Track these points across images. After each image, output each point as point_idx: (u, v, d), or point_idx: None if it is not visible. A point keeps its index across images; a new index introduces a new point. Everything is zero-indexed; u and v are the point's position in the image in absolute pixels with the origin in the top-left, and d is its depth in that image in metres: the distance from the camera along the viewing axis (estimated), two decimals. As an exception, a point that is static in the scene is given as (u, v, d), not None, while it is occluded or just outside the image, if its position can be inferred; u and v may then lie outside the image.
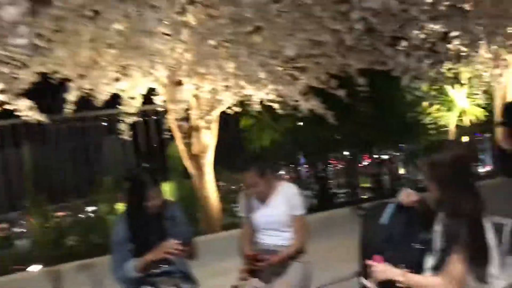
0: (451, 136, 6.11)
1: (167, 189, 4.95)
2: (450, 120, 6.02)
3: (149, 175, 2.77)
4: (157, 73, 3.39)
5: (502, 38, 4.65)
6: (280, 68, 3.70)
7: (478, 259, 1.92)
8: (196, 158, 4.39)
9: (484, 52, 5.22)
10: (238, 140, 5.50)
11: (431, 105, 6.11)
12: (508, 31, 4.64)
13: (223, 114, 4.78)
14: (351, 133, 5.52)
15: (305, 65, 3.70)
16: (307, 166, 5.98)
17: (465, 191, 1.97)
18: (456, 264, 1.93)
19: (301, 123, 5.76)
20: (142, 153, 5.33)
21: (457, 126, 6.12)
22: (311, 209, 5.69)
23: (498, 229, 2.50)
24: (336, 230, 4.39)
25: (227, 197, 4.75)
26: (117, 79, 3.74)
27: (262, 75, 3.02)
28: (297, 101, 3.77)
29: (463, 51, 4.76)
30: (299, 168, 5.87)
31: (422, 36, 3.79)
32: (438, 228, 2.12)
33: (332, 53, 3.53)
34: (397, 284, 2.06)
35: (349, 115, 5.26)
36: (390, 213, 2.39)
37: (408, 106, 5.98)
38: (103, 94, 3.68)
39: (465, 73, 5.96)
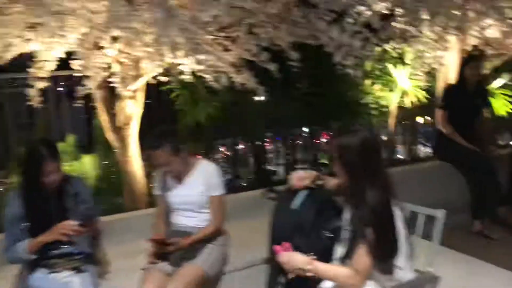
0: (392, 117, 6.12)
1: (90, 162, 4.69)
2: (391, 101, 6.00)
3: (46, 147, 2.55)
4: (68, 35, 3.10)
5: (445, 19, 4.61)
6: (210, 37, 3.49)
7: (383, 251, 1.85)
8: (119, 130, 4.15)
9: (428, 33, 5.19)
10: (172, 113, 5.26)
11: (373, 84, 6.06)
12: (452, 12, 4.60)
13: (154, 85, 4.53)
14: (292, 110, 5.38)
15: (236, 35, 3.49)
16: (245, 143, 5.84)
17: (373, 178, 1.89)
18: (362, 256, 1.87)
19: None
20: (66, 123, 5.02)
21: (399, 107, 6.12)
22: (246, 187, 5.61)
23: (412, 217, 2.47)
24: (267, 209, 4.32)
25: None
26: (29, 39, 3.41)
27: (181, 42, 2.80)
28: (225, 72, 3.58)
29: (406, 31, 4.69)
30: (236, 145, 5.72)
31: (364, 11, 3.65)
32: (347, 216, 2.05)
33: (263, 23, 3.34)
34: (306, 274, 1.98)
35: (289, 92, 5.13)
36: (302, 197, 2.30)
37: (349, 84, 5.88)
38: (10, 54, 3.36)
39: (409, 53, 5.94)
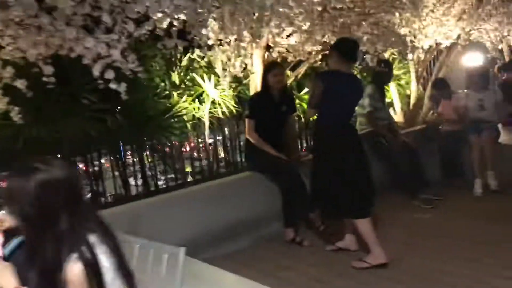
0: (202, 129, 5.97)
1: None
2: (203, 112, 5.83)
3: None
4: None
5: (236, 26, 4.52)
6: None
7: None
8: None
9: (227, 40, 5.09)
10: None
11: (181, 95, 5.83)
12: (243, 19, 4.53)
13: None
14: (78, 130, 4.78)
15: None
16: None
17: (51, 229, 1.50)
18: None
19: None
20: None
21: (212, 118, 5.99)
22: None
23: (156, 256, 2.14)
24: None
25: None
26: None
27: None
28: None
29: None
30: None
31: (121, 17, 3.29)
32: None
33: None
34: None
35: (75, 110, 4.58)
36: (12, 248, 1.85)
37: (151, 98, 5.55)
38: None
39: (217, 62, 5.82)
